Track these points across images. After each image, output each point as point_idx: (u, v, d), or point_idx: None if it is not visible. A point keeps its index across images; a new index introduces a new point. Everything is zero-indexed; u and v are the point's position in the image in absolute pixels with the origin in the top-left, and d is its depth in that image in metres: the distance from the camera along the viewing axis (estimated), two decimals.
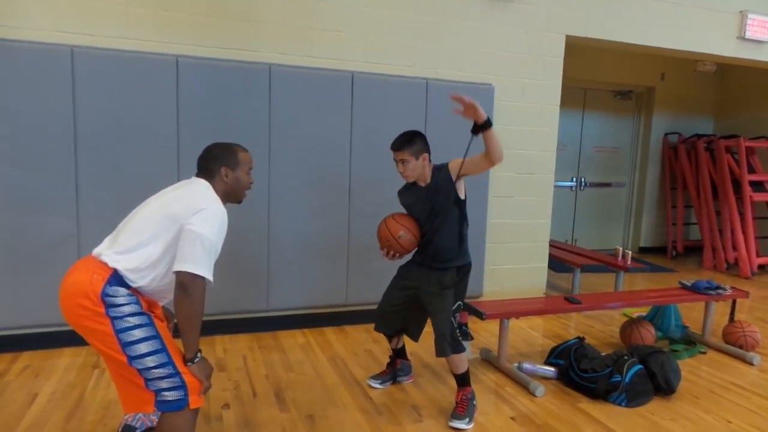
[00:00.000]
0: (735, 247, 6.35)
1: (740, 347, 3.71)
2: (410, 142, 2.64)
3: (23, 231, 3.27)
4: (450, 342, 2.64)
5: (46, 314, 3.17)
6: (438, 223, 2.69)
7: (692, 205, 6.96)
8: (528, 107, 4.63)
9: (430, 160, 2.70)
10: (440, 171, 2.69)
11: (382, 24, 4.09)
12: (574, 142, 7.04)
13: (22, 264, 3.28)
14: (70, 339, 2.89)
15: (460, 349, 2.68)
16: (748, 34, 5.30)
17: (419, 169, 2.66)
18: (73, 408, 2.67)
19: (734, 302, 3.94)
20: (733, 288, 3.87)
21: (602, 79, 6.82)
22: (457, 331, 2.70)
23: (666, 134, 7.23)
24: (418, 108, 4.08)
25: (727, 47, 5.34)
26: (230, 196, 2.03)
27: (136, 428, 2.41)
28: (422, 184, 2.72)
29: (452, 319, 2.67)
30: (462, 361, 2.70)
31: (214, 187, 1.96)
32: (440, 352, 2.66)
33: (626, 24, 4.85)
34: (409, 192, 2.78)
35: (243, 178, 2.04)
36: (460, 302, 2.74)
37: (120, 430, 2.41)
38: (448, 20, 4.28)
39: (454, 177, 2.65)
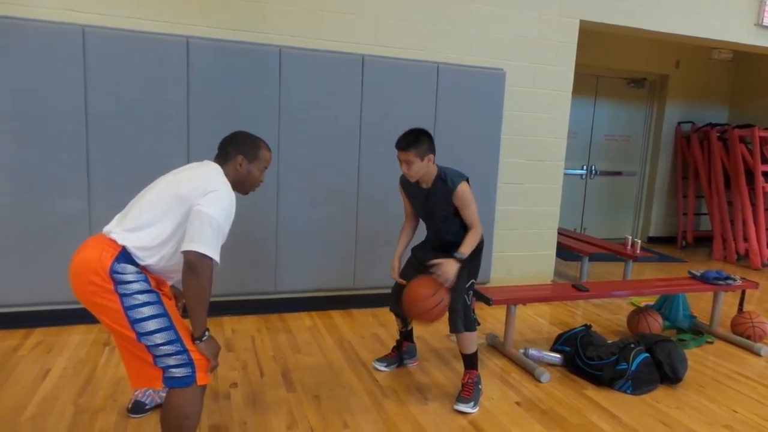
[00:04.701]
0: (746, 239, 6.29)
1: (748, 338, 3.70)
2: (416, 142, 2.54)
3: (35, 210, 3.31)
4: (463, 319, 2.67)
5: (59, 292, 3.21)
6: (438, 221, 2.73)
7: (703, 196, 6.90)
8: (539, 93, 4.59)
9: (434, 161, 2.65)
10: (444, 183, 2.62)
11: (392, 6, 4.06)
12: (585, 130, 6.97)
13: (34, 243, 3.32)
14: (81, 316, 2.94)
15: (471, 328, 2.70)
16: (766, 22, 5.20)
17: (423, 170, 2.61)
18: (85, 383, 2.72)
19: (743, 293, 3.91)
20: (742, 279, 3.84)
21: (615, 66, 6.73)
22: (470, 310, 2.72)
23: (679, 123, 7.14)
24: (429, 92, 4.05)
25: (744, 34, 5.24)
26: (238, 185, 2.02)
27: (146, 404, 2.47)
28: (423, 186, 2.69)
29: (465, 296, 2.69)
30: (472, 340, 2.72)
31: (225, 172, 1.96)
32: (452, 327, 2.69)
33: (641, 10, 4.77)
34: (409, 185, 2.78)
35: (255, 174, 2.04)
36: (473, 280, 2.75)
37: (130, 405, 2.46)
38: (460, 3, 4.23)
39: (456, 206, 2.66)
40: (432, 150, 2.61)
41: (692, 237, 7.11)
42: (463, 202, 2.62)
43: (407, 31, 4.12)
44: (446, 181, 2.62)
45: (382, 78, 3.91)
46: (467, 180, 2.68)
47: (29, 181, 3.28)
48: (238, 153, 1.99)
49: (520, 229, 4.72)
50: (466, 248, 2.58)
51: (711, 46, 5.82)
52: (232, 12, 3.69)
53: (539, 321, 4.07)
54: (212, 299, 1.87)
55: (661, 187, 7.29)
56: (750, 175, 6.27)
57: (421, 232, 2.94)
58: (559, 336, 3.38)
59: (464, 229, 2.70)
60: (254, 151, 2.02)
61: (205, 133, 3.51)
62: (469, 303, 2.71)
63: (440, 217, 2.70)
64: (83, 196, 3.38)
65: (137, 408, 2.45)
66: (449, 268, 2.50)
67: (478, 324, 2.81)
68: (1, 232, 3.27)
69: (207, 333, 1.86)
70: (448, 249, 2.68)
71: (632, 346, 3.02)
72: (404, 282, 2.73)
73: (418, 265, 2.89)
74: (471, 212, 2.64)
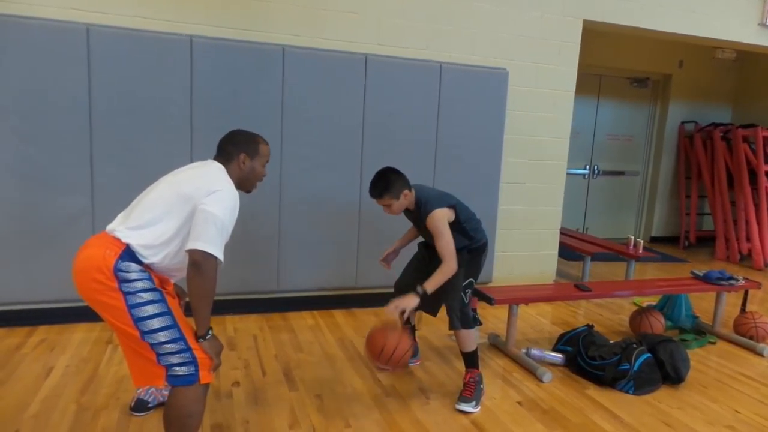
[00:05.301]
0: (749, 239, 6.28)
1: (751, 338, 3.69)
2: (388, 187, 2.57)
3: (39, 208, 3.32)
4: (459, 316, 2.67)
5: (61, 290, 3.22)
6: (429, 237, 2.71)
7: (706, 195, 6.88)
8: (542, 93, 4.59)
9: (411, 191, 2.64)
10: (420, 210, 2.63)
11: (395, 6, 4.06)
12: (588, 130, 6.96)
13: (38, 240, 3.33)
14: (84, 314, 2.95)
15: (468, 325, 2.70)
16: None
17: (404, 205, 2.64)
18: (87, 381, 2.73)
19: (746, 293, 3.91)
20: (745, 279, 3.83)
21: (618, 65, 6.71)
22: (469, 308, 2.72)
23: (682, 123, 7.12)
24: (432, 92, 4.05)
25: (747, 34, 5.23)
26: (243, 183, 2.05)
27: (148, 402, 2.47)
28: (411, 208, 2.71)
29: (463, 294, 2.69)
30: (470, 338, 2.72)
31: (228, 172, 1.98)
32: (450, 324, 2.70)
33: (644, 9, 4.76)
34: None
35: (258, 169, 2.07)
36: (471, 279, 2.74)
37: (133, 404, 2.47)
38: (462, 3, 4.23)
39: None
40: (406, 185, 2.61)
41: (695, 237, 7.09)
42: (433, 231, 2.57)
43: (410, 30, 4.12)
44: (421, 207, 2.63)
45: (385, 77, 3.91)
46: (452, 205, 2.64)
47: (33, 178, 3.29)
48: (239, 152, 2.01)
49: (523, 229, 4.72)
50: (430, 285, 2.49)
51: (714, 45, 5.80)
52: (236, 11, 3.69)
53: (541, 321, 4.07)
54: (215, 298, 1.87)
55: (664, 187, 7.28)
56: (753, 174, 6.25)
57: None
58: (561, 336, 3.38)
59: (463, 234, 2.69)
60: (254, 147, 2.05)
61: (208, 132, 3.50)
62: (467, 301, 2.71)
63: (429, 236, 2.70)
64: (86, 194, 3.39)
65: (140, 406, 2.45)
66: (406, 300, 2.45)
67: (480, 323, 2.81)
68: (5, 230, 3.28)
69: (210, 331, 1.87)
70: None
71: (634, 346, 3.01)
72: (389, 267, 2.97)
73: (420, 258, 2.94)
74: (441, 244, 2.54)
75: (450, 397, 2.76)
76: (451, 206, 2.64)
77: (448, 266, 2.53)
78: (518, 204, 4.66)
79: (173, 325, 1.81)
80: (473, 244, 2.75)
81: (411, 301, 2.46)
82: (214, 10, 3.65)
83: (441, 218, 2.57)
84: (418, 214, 2.67)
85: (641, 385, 2.91)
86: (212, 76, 3.53)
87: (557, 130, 4.69)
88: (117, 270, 1.76)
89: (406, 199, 2.62)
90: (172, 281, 2.05)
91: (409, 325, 3.11)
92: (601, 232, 6.81)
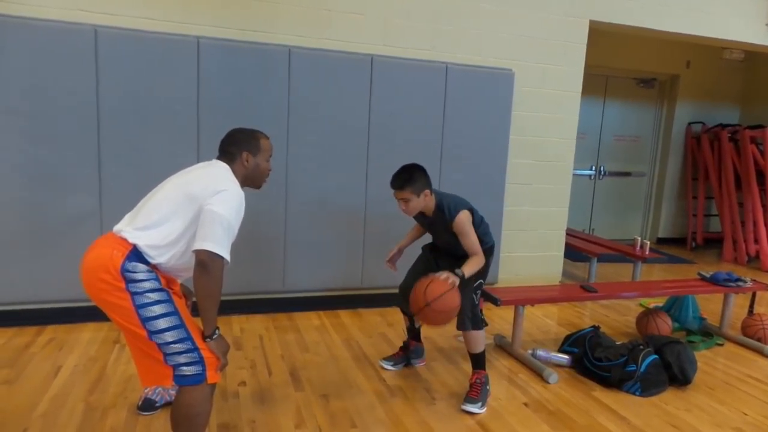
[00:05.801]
0: (757, 240, 6.23)
1: (758, 340, 3.67)
2: (411, 180, 2.55)
3: (47, 208, 3.34)
4: (470, 317, 2.67)
5: (70, 289, 3.24)
6: (445, 242, 2.74)
7: (714, 197, 6.85)
8: (548, 94, 4.58)
9: (431, 193, 2.63)
10: (442, 213, 2.63)
11: (400, 7, 4.06)
12: (594, 131, 6.94)
13: (46, 240, 3.36)
14: (92, 314, 2.96)
15: (479, 326, 2.71)
16: None
17: (421, 205, 2.62)
18: (96, 381, 2.75)
19: (754, 295, 3.88)
20: (753, 280, 3.81)
21: (625, 66, 6.69)
22: (479, 309, 2.73)
23: (689, 123, 7.09)
24: (437, 92, 4.05)
25: (754, 34, 5.20)
26: (249, 181, 2.06)
27: (156, 402, 2.49)
28: (427, 213, 2.71)
29: (473, 295, 2.69)
30: (479, 339, 2.72)
31: (233, 171, 1.99)
32: (459, 325, 2.70)
33: (650, 9, 4.75)
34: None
35: (263, 165, 2.08)
36: (481, 280, 2.75)
37: (140, 403, 2.48)
38: (468, 3, 4.23)
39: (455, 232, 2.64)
40: (428, 185, 2.61)
41: (702, 238, 7.05)
42: (461, 232, 2.61)
43: (415, 31, 4.12)
44: (444, 211, 2.63)
45: (391, 78, 3.92)
46: (470, 209, 2.67)
47: (41, 178, 3.31)
48: (242, 150, 2.02)
49: (529, 230, 4.71)
50: (468, 269, 2.53)
51: (721, 46, 5.77)
52: (241, 12, 3.71)
53: (547, 322, 4.06)
54: (221, 298, 1.88)
55: (671, 188, 7.24)
56: (761, 176, 6.22)
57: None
58: (568, 337, 3.37)
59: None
60: (255, 144, 2.06)
61: (214, 132, 3.47)
62: (476, 302, 2.72)
63: (445, 240, 2.73)
64: (94, 194, 3.42)
65: (147, 405, 2.47)
66: (452, 277, 2.45)
67: (486, 324, 2.81)
68: (13, 230, 3.31)
69: (217, 331, 1.88)
70: (457, 256, 2.68)
71: (641, 347, 3.00)
72: (395, 269, 2.97)
73: (425, 260, 2.93)
74: (469, 242, 2.61)
75: (456, 398, 2.76)
76: (469, 210, 2.67)
77: (480, 257, 2.61)
78: (524, 205, 4.65)
79: (180, 325, 1.82)
80: (482, 247, 2.75)
81: (454, 277, 2.46)
82: (220, 11, 3.67)
83: (467, 220, 2.62)
84: (438, 218, 2.66)
85: (648, 386, 2.90)
86: (218, 76, 3.55)
87: (563, 131, 4.68)
88: (124, 270, 1.77)
89: (425, 199, 2.61)
90: (179, 281, 2.06)
91: (413, 326, 3.12)
92: (608, 233, 6.78)
